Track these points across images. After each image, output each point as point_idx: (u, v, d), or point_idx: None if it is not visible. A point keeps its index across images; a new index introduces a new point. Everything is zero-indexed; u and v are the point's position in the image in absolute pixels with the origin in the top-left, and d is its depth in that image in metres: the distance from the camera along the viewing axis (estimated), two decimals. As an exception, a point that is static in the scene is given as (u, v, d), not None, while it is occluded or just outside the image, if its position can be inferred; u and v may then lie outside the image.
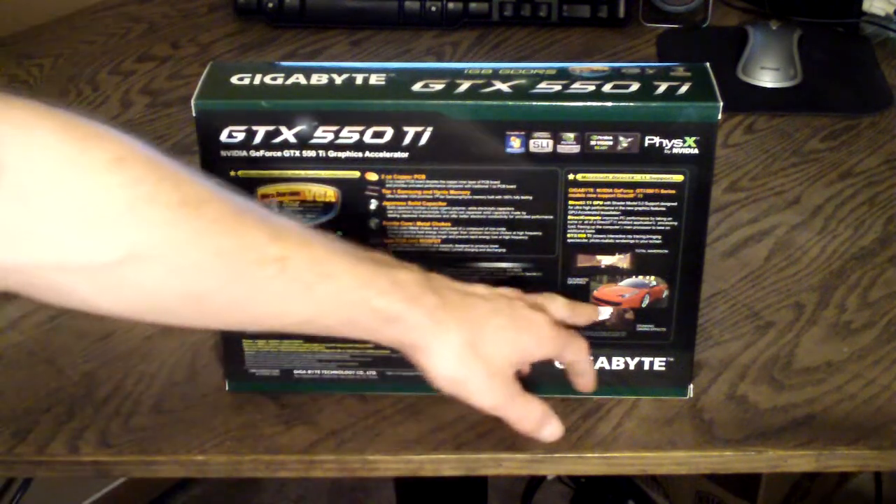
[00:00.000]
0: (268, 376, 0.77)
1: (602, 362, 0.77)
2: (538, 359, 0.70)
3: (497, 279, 0.73)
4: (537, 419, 0.70)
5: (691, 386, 0.77)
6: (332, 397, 0.77)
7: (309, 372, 0.77)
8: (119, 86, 1.13)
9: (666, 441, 0.74)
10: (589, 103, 0.68)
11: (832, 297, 0.86)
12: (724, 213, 0.95)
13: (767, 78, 1.12)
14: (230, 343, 0.76)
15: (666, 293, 0.74)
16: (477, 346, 0.66)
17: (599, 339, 0.75)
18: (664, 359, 0.76)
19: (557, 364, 0.75)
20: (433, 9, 1.22)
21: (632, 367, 0.77)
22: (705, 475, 1.61)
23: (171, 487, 1.85)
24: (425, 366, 0.66)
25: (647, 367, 0.76)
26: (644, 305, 0.74)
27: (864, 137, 1.05)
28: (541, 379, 0.76)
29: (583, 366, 0.73)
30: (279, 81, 0.70)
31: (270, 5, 1.21)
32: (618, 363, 0.77)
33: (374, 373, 0.77)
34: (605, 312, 0.75)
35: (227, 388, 0.78)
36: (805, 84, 1.12)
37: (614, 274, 0.73)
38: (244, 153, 0.69)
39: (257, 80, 0.70)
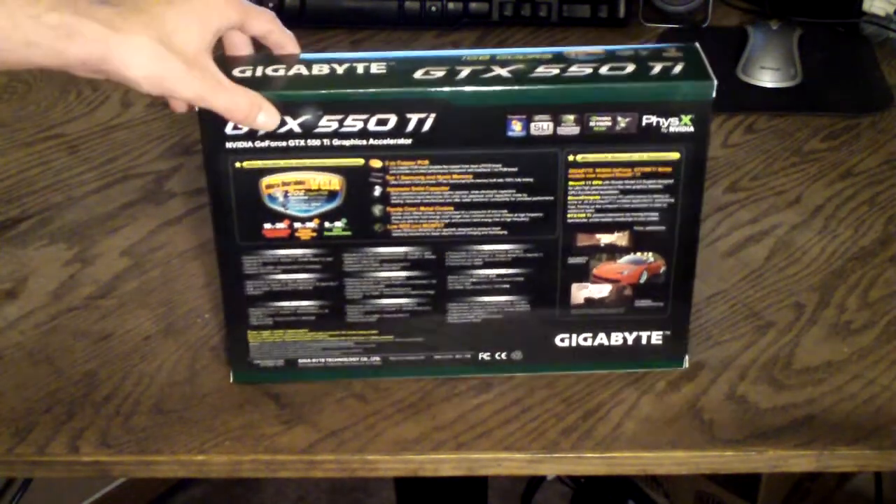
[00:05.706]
0: (272, 367, 0.77)
1: (601, 339, 0.78)
2: (227, 28, 0.71)
3: (499, 261, 0.74)
4: (246, 106, 0.69)
5: (687, 357, 0.78)
6: (332, 397, 0.77)
7: (313, 360, 0.77)
8: (119, 86, 1.12)
9: (666, 441, 0.74)
10: (588, 85, 0.69)
11: (832, 297, 0.86)
12: (724, 213, 0.95)
13: (767, 78, 1.12)
14: (234, 334, 0.77)
15: (663, 269, 0.75)
16: (166, 40, 0.66)
17: (599, 316, 0.77)
18: (661, 332, 0.78)
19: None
20: (433, 9, 1.22)
21: (630, 342, 0.78)
22: (705, 475, 1.61)
23: (171, 487, 1.85)
24: (123, 74, 0.66)
25: (644, 341, 0.78)
26: (642, 282, 0.76)
27: (864, 137, 1.05)
28: (538, 355, 0.78)
29: (277, 35, 0.74)
30: (281, 73, 0.70)
31: (270, 5, 1.21)
32: (616, 339, 0.78)
33: (377, 359, 0.77)
34: (603, 290, 0.76)
35: (231, 380, 0.78)
36: (805, 84, 1.12)
37: (613, 252, 0.75)
38: (249, 144, 0.70)
39: (259, 71, 0.70)
